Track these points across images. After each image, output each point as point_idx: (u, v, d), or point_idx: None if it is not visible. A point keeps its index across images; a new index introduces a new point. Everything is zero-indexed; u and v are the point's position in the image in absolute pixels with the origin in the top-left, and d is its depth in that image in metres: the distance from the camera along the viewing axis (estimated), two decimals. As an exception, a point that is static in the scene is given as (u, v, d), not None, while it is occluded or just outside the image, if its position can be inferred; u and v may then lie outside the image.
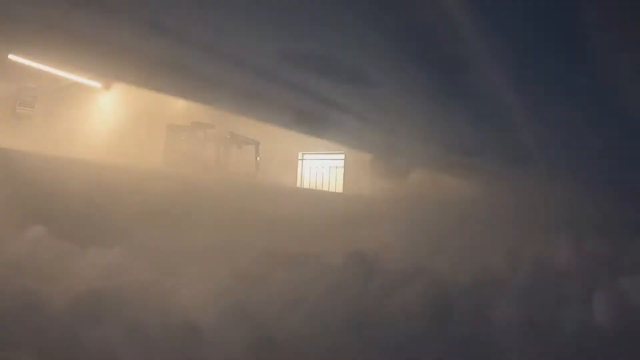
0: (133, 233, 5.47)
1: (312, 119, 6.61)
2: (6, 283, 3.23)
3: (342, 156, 12.67)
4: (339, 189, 12.50)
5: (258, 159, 12.00)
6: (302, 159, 13.29)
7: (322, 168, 13.04)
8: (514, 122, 5.40)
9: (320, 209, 7.87)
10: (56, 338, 2.76)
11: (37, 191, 5.64)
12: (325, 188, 12.55)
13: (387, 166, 8.46)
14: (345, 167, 12.64)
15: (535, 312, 3.40)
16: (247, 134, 12.11)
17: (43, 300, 3.11)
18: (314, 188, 12.54)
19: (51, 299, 3.18)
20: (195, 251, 5.34)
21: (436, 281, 3.59)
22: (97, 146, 12.48)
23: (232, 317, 3.24)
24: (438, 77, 4.78)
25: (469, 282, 4.18)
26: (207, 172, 10.19)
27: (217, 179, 8.33)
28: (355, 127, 6.98)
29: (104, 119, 14.48)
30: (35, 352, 2.57)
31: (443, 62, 4.40)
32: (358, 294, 3.34)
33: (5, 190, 5.32)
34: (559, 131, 5.66)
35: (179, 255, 5.16)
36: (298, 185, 12.83)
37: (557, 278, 4.52)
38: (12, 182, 5.47)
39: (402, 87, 5.21)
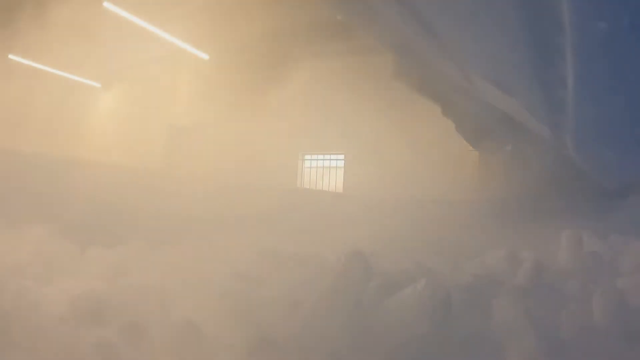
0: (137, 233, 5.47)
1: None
2: (6, 283, 3.24)
3: (342, 156, 12.72)
4: (339, 189, 12.53)
5: None
6: (303, 160, 13.33)
7: (322, 168, 13.07)
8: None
9: (320, 208, 7.87)
10: (56, 339, 2.76)
11: (38, 191, 5.64)
12: (325, 188, 12.58)
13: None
14: (345, 167, 12.68)
15: (535, 312, 3.40)
16: (248, 134, 12.15)
17: (43, 301, 3.11)
18: (315, 188, 12.57)
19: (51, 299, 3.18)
20: (196, 251, 5.35)
21: (436, 281, 3.59)
22: (98, 146, 12.50)
23: (231, 317, 3.24)
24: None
25: (469, 282, 4.19)
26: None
27: (216, 179, 8.33)
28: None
29: (104, 118, 14.50)
30: (35, 353, 2.57)
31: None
32: (358, 295, 3.34)
33: (7, 190, 5.32)
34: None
35: (179, 255, 5.16)
36: (299, 185, 12.87)
37: (557, 278, 4.53)
38: (13, 182, 5.48)
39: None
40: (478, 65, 6.82)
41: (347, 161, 12.61)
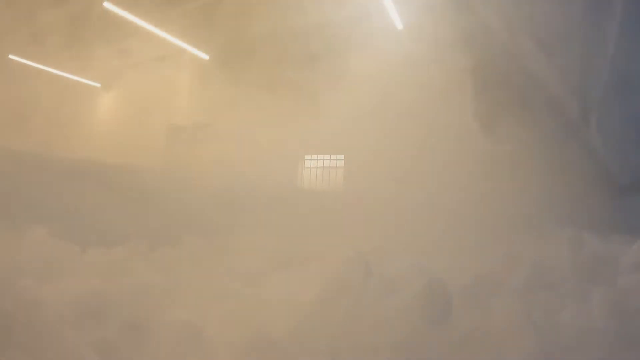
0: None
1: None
2: (7, 283, 3.24)
3: (342, 157, 12.72)
4: (339, 189, 12.53)
5: None
6: (303, 160, 13.33)
7: (322, 169, 13.07)
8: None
9: (320, 209, 7.87)
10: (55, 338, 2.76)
11: (38, 191, 5.64)
12: (325, 188, 12.58)
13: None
14: (345, 167, 12.68)
15: (535, 312, 3.40)
16: (248, 134, 12.14)
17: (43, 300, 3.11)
18: (315, 188, 12.57)
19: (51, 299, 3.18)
20: (196, 251, 5.35)
21: (436, 281, 3.58)
22: (98, 146, 12.50)
23: (232, 317, 3.24)
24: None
25: (468, 282, 4.18)
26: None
27: (216, 179, 8.33)
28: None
29: (104, 118, 14.51)
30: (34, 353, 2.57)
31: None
32: (358, 294, 3.34)
33: (8, 191, 5.32)
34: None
35: (179, 255, 5.16)
36: (299, 185, 12.87)
37: (557, 278, 4.52)
38: (14, 182, 5.47)
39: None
40: (522, 20, 6.54)
41: (347, 161, 12.62)
